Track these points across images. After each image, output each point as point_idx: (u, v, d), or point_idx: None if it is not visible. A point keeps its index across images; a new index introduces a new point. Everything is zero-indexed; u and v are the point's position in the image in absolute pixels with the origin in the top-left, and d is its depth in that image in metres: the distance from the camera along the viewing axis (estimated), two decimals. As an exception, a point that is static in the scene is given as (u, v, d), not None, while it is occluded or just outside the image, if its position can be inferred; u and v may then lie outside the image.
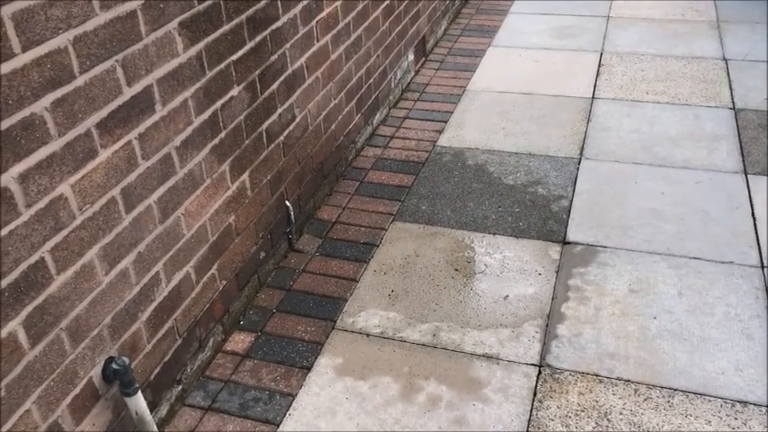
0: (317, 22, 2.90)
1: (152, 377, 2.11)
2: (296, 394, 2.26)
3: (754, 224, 2.90)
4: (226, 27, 2.24)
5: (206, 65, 2.16)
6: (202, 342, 2.37)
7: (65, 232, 1.67)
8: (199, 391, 2.30)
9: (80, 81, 1.66)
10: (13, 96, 1.48)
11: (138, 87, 1.86)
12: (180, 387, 2.26)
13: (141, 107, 1.89)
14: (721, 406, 2.13)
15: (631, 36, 4.83)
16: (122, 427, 1.99)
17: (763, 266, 2.67)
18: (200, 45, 2.12)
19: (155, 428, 2.01)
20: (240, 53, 2.35)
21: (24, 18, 1.48)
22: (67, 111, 1.63)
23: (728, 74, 4.19)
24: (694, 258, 2.74)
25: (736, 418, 2.09)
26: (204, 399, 2.27)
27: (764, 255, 2.72)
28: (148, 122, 1.93)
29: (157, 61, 1.93)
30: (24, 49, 1.49)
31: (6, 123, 1.47)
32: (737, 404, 2.14)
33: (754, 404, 2.13)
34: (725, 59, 4.38)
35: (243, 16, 2.33)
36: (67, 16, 1.59)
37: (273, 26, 2.55)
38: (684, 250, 2.78)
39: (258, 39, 2.45)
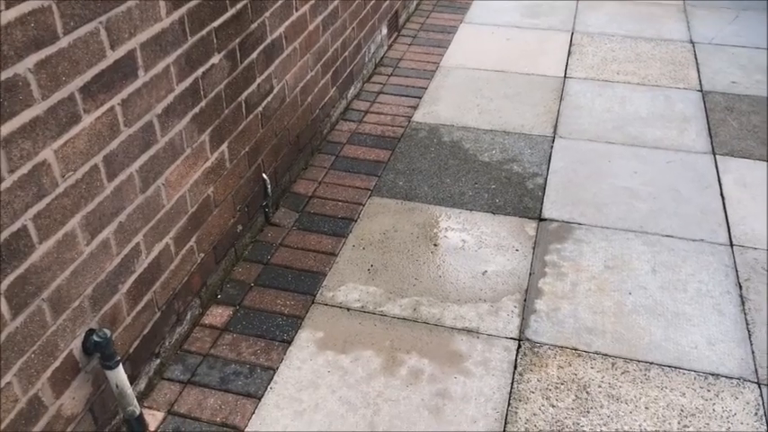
0: (296, -9, 2.84)
1: (131, 350, 2.07)
2: (277, 368, 2.25)
3: (723, 203, 2.98)
4: (208, -8, 2.18)
5: (188, 31, 2.10)
6: (180, 315, 2.32)
7: (47, 200, 1.61)
8: (177, 365, 2.26)
9: (64, 42, 1.59)
10: (-3, 56, 1.41)
11: (121, 51, 1.80)
12: (158, 361, 2.22)
13: (124, 72, 1.82)
14: (695, 378, 2.19)
15: (601, 17, 4.87)
16: (102, 400, 1.95)
17: (732, 244, 2.74)
18: (183, 10, 2.06)
19: (135, 402, 1.97)
20: (221, 20, 2.29)
21: (8, -27, 1.41)
22: (51, 73, 1.56)
23: (696, 57, 4.27)
24: (667, 236, 2.80)
25: (708, 390, 2.16)
26: (183, 372, 2.24)
27: (733, 233, 2.80)
28: (131, 88, 1.86)
29: (141, 25, 1.86)
30: (7, 6, 1.42)
31: (-11, 84, 1.40)
32: (710, 377, 2.20)
33: (726, 376, 2.20)
34: (692, 42, 4.46)
35: (225, -18, 2.27)
36: (52, -27, 1.52)
37: (254, -7, 2.49)
38: (657, 228, 2.84)
39: (239, 6, 2.39)
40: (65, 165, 1.66)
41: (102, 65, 1.73)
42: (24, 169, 1.53)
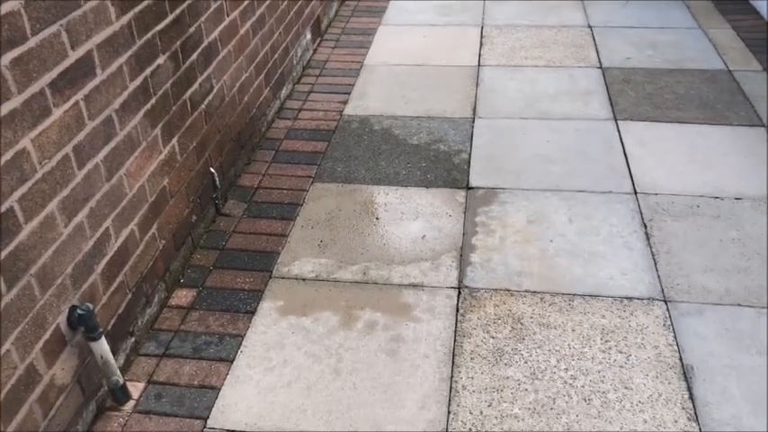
0: (226, -3, 3.07)
1: (109, 328, 2.24)
2: (244, 334, 2.46)
3: (626, 160, 3.36)
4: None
5: (135, 34, 2.31)
6: (149, 297, 2.51)
7: (29, 184, 1.80)
8: (151, 342, 2.45)
9: (32, 42, 1.78)
10: (-21, 53, 1.60)
11: (80, 51, 2.00)
12: (133, 339, 2.40)
13: (85, 70, 2.02)
14: (612, 303, 2.53)
15: (507, 10, 5.27)
16: (88, 373, 2.12)
17: (635, 192, 3.11)
18: (130, 14, 2.27)
19: (118, 372, 2.16)
20: (163, 24, 2.50)
21: (-16, -19, 1.60)
22: (24, 70, 1.75)
23: (594, 39, 4.70)
24: (580, 191, 3.15)
25: (624, 311, 2.49)
26: (157, 347, 2.42)
27: (636, 183, 3.17)
28: (91, 85, 2.06)
29: (95, 28, 2.07)
30: (-15, 10, 1.62)
31: (-24, 78, 1.59)
32: (625, 300, 2.54)
33: (638, 298, 2.54)
34: (590, 26, 4.90)
35: (163, -11, 2.48)
36: (19, -19, 1.72)
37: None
38: (571, 186, 3.19)
39: (178, 11, 2.61)
40: (41, 153, 1.84)
41: (66, 63, 1.93)
42: (8, 155, 1.72)
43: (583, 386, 2.21)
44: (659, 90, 3.98)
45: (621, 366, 2.27)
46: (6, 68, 1.69)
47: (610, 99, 3.92)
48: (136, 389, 2.27)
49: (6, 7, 1.67)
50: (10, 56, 1.70)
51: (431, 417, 2.14)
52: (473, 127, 3.72)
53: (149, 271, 2.50)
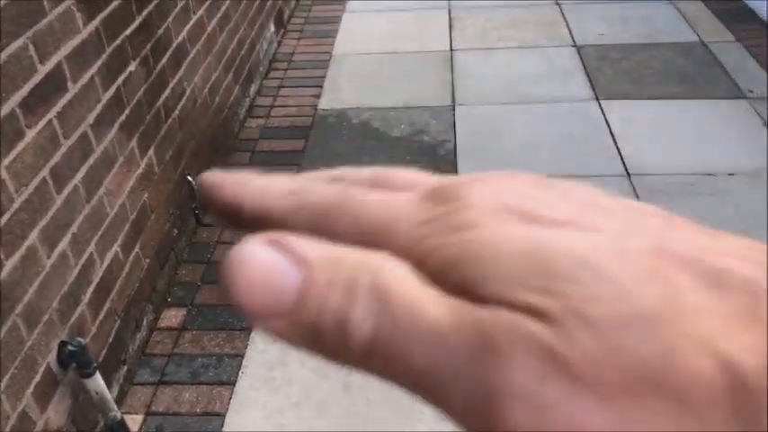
0: (192, -6, 2.89)
1: (101, 359, 2.09)
2: (244, 354, 2.32)
3: (614, 141, 3.30)
4: (116, 2, 2.21)
5: (104, 40, 2.13)
6: (138, 322, 2.35)
7: (7, 216, 1.63)
8: (144, 369, 2.29)
9: (0, 59, 1.61)
10: (-57, 77, 1.43)
11: (49, 65, 1.82)
12: (126, 368, 2.25)
13: (56, 85, 1.85)
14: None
15: (472, -9, 5.16)
16: (82, 411, 1.96)
17: (628, 174, 3.06)
18: (97, 21, 2.09)
19: (115, 407, 2.01)
20: (131, 28, 2.32)
21: (-59, -6, 1.42)
22: (-8, 90, 1.58)
23: (563, 15, 4.63)
24: (571, 176, 3.07)
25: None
26: (152, 374, 2.27)
27: (628, 164, 3.12)
28: (64, 100, 1.89)
29: (63, 38, 1.89)
30: (-55, 28, 1.44)
31: (-59, 105, 1.42)
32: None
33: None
34: (558, 3, 4.82)
35: (129, -10, 2.31)
36: (-21, -8, 1.54)
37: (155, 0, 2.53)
38: (562, 170, 3.11)
39: (144, 13, 2.43)
40: (17, 180, 1.67)
41: (36, 79, 1.76)
42: (-18, 187, 1.55)
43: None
44: (636, 66, 3.94)
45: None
46: (-27, 91, 1.52)
47: (589, 78, 3.85)
48: (134, 422, 2.12)
49: (-31, 23, 1.50)
50: (-24, 76, 1.53)
51: (452, 428, 2.05)
52: (454, 115, 3.61)
53: (136, 293, 2.34)
